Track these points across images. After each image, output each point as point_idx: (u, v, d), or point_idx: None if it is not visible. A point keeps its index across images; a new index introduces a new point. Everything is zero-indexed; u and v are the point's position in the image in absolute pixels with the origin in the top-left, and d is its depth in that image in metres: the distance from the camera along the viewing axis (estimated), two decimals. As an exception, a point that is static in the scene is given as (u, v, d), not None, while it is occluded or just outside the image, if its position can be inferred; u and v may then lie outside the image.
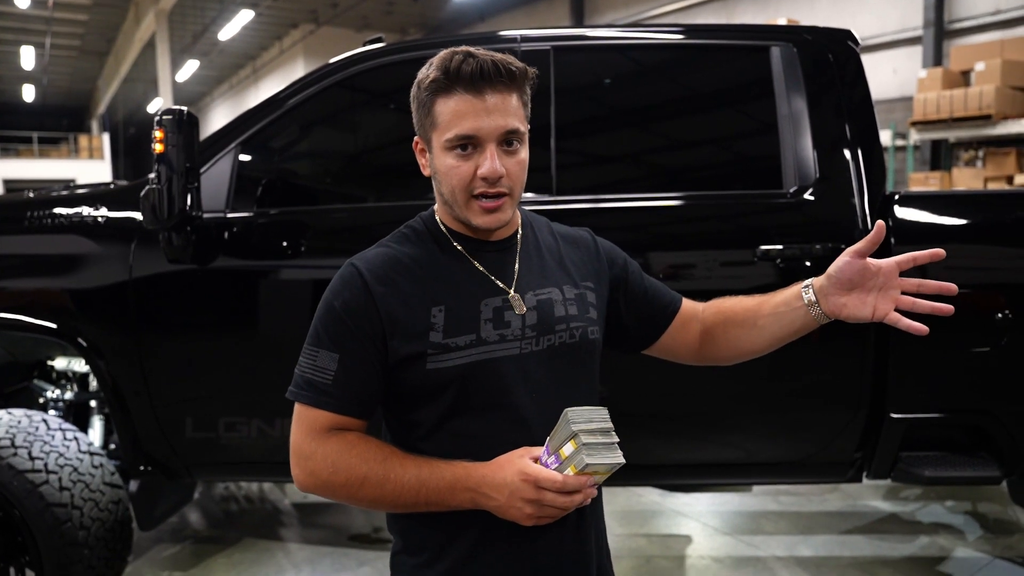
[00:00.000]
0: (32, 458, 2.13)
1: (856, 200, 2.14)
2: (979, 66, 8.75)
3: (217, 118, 30.09)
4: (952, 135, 9.32)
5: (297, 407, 1.07)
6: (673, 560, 2.83)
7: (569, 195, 2.22)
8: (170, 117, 2.05)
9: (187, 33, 21.59)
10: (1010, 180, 8.86)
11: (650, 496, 3.39)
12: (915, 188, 9.28)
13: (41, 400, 2.67)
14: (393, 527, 1.14)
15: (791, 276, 2.12)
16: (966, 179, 9.29)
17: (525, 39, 2.28)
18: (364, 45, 2.43)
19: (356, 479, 1.01)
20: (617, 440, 0.96)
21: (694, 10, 14.03)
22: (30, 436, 2.19)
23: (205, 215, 2.20)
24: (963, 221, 2.25)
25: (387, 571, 1.15)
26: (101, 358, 2.28)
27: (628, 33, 2.51)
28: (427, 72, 1.05)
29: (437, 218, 1.14)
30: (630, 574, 2.72)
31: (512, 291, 1.09)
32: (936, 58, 10.57)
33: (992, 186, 8.94)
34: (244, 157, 2.31)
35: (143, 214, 2.08)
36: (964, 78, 9.17)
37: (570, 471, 0.94)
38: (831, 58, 2.25)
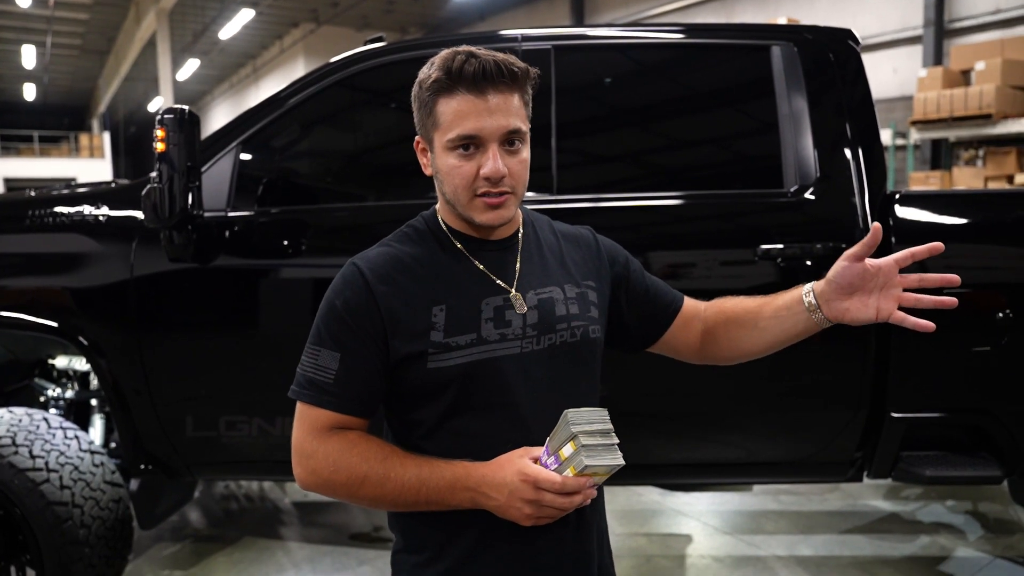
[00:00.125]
0: (33, 456, 2.13)
1: (857, 199, 2.14)
2: (979, 65, 8.75)
3: (218, 117, 30.09)
4: (952, 134, 9.32)
5: (299, 406, 1.07)
6: (673, 559, 2.84)
7: (570, 194, 2.22)
8: (172, 116, 2.05)
9: (188, 32, 21.59)
10: (1010, 179, 8.86)
11: (650, 495, 3.40)
12: (915, 187, 9.27)
13: (42, 399, 2.67)
14: (394, 526, 1.14)
15: (792, 275, 2.12)
16: (966, 178, 9.29)
17: (526, 38, 2.28)
18: (365, 44, 2.43)
19: (357, 478, 1.01)
20: (617, 442, 0.96)
21: (694, 9, 14.03)
22: (31, 434, 2.19)
23: (206, 214, 2.20)
24: (964, 220, 2.25)
25: (387, 570, 1.15)
26: (102, 357, 2.28)
27: (629, 32, 2.51)
28: (428, 72, 1.05)
29: (439, 217, 1.14)
30: (630, 573, 2.72)
31: (513, 290, 1.09)
32: (936, 57, 10.57)
33: (992, 185, 8.94)
34: (245, 156, 2.32)
35: (144, 213, 2.08)
36: (964, 77, 9.17)
37: (569, 472, 0.95)
38: (832, 57, 2.25)
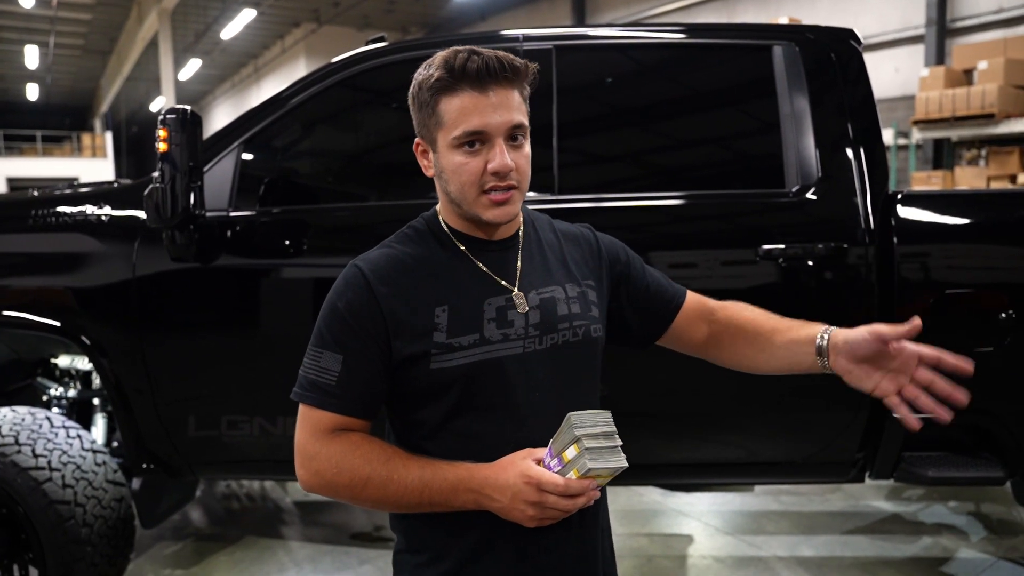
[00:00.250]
0: (35, 455, 2.14)
1: (858, 199, 2.14)
2: (982, 65, 8.74)
3: (219, 117, 30.13)
4: (955, 134, 9.31)
5: (301, 408, 1.07)
6: (674, 560, 2.84)
7: (571, 194, 2.22)
8: (174, 116, 2.05)
9: (189, 32, 21.62)
10: (1013, 179, 8.85)
11: (651, 495, 3.39)
12: (917, 187, 9.26)
13: (44, 398, 2.68)
14: (396, 526, 1.14)
15: (793, 275, 2.12)
16: (969, 178, 9.28)
17: (527, 38, 2.28)
18: (366, 44, 2.43)
19: (360, 480, 1.02)
20: (620, 444, 0.96)
21: (695, 9, 14.02)
22: (33, 434, 2.19)
23: (208, 214, 2.20)
24: (966, 220, 2.25)
25: (389, 569, 1.15)
26: (104, 356, 2.29)
27: (630, 32, 2.51)
28: (428, 72, 1.05)
29: (440, 218, 1.14)
30: (632, 573, 2.72)
31: (515, 290, 1.09)
32: (938, 57, 10.56)
33: (995, 185, 8.93)
34: (247, 156, 2.32)
35: (146, 213, 2.08)
36: (967, 77, 9.15)
37: (572, 474, 0.95)
38: (833, 57, 2.24)
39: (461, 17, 19.79)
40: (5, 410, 2.29)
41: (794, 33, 2.29)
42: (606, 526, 1.18)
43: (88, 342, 2.28)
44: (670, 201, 2.25)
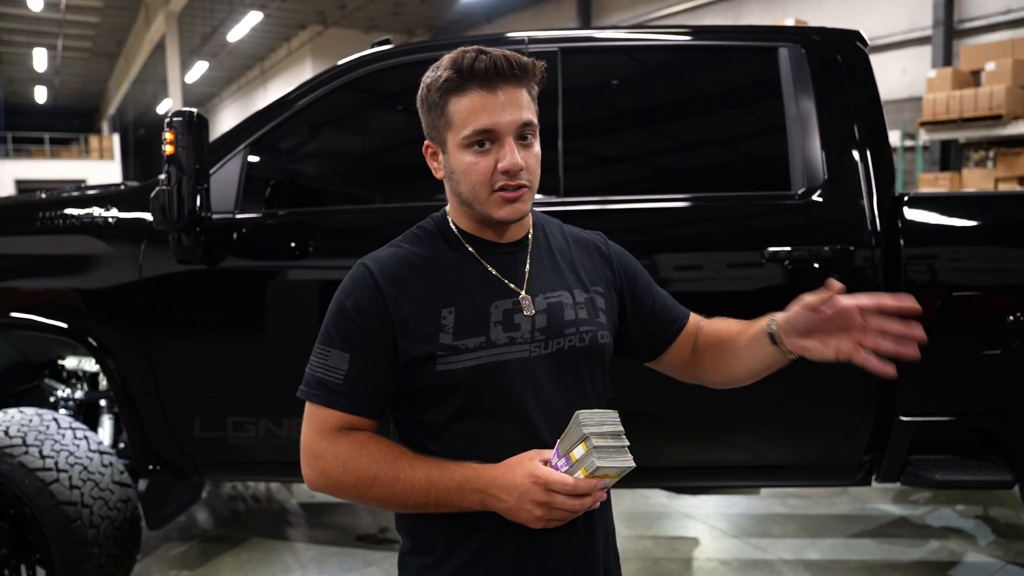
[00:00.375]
0: (43, 456, 2.15)
1: (865, 201, 2.13)
2: (989, 66, 8.70)
3: (226, 119, 30.25)
4: (962, 135, 9.27)
5: (308, 406, 1.07)
6: (680, 562, 2.83)
7: (577, 196, 2.22)
8: (180, 119, 2.06)
9: (196, 35, 21.71)
10: (1021, 181, 8.80)
11: (657, 498, 3.39)
12: (924, 189, 9.22)
13: (52, 399, 2.69)
14: (402, 527, 1.14)
15: (799, 278, 2.11)
16: (976, 180, 9.24)
17: (533, 40, 2.29)
18: (373, 47, 2.43)
19: (366, 479, 1.02)
20: (628, 444, 0.96)
21: (701, 11, 14.00)
22: (41, 435, 2.20)
23: (214, 216, 2.21)
24: (973, 223, 2.23)
25: (394, 571, 1.15)
26: (111, 358, 2.30)
27: (635, 34, 2.51)
28: (437, 73, 1.05)
29: (449, 219, 1.14)
30: (637, 576, 2.72)
31: (523, 293, 1.09)
32: (946, 58, 10.51)
33: (1003, 187, 8.88)
34: (253, 158, 2.33)
35: (153, 215, 2.09)
36: (974, 78, 9.11)
37: (580, 474, 0.94)
38: (839, 59, 2.24)
39: (467, 19, 19.82)
40: (13, 411, 2.30)
41: (800, 35, 2.28)
42: (610, 530, 1.18)
43: (95, 344, 2.29)
44: (676, 203, 2.24)
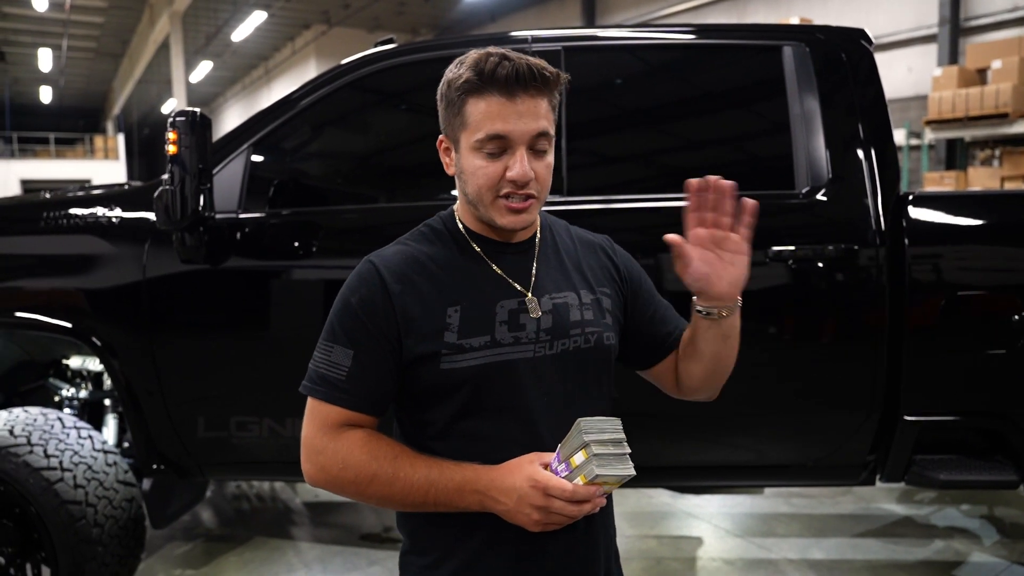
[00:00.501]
0: (47, 456, 2.16)
1: (869, 200, 2.12)
2: (996, 64, 8.66)
3: (230, 118, 30.31)
4: (968, 134, 9.23)
5: (310, 402, 1.07)
6: (684, 562, 2.82)
7: (580, 195, 2.21)
8: (183, 119, 2.07)
9: (200, 34, 21.77)
10: (1027, 180, 8.76)
11: (661, 497, 3.38)
12: (930, 188, 9.19)
13: (56, 398, 2.70)
14: (402, 526, 1.14)
15: (803, 277, 2.11)
16: (982, 179, 9.20)
17: (536, 40, 2.28)
18: (376, 46, 2.43)
19: (366, 476, 1.02)
20: (629, 451, 0.95)
21: (705, 9, 13.98)
22: (45, 434, 2.21)
23: (218, 215, 2.21)
24: (978, 222, 2.22)
25: (397, 571, 1.15)
26: (115, 357, 2.30)
27: (639, 33, 2.50)
28: (459, 71, 1.04)
29: (457, 218, 1.14)
30: (641, 575, 2.71)
31: (529, 294, 1.09)
32: (952, 56, 10.47)
33: (1009, 185, 8.85)
34: (256, 158, 2.33)
35: (156, 215, 2.09)
36: (980, 76, 9.07)
37: (580, 480, 0.94)
38: (844, 57, 2.23)
39: (471, 18, 19.82)
40: (18, 411, 2.31)
41: (804, 33, 2.27)
42: (611, 531, 1.17)
43: (99, 343, 2.30)
44: (679, 202, 2.23)
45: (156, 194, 2.09)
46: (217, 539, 3.05)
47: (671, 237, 1.06)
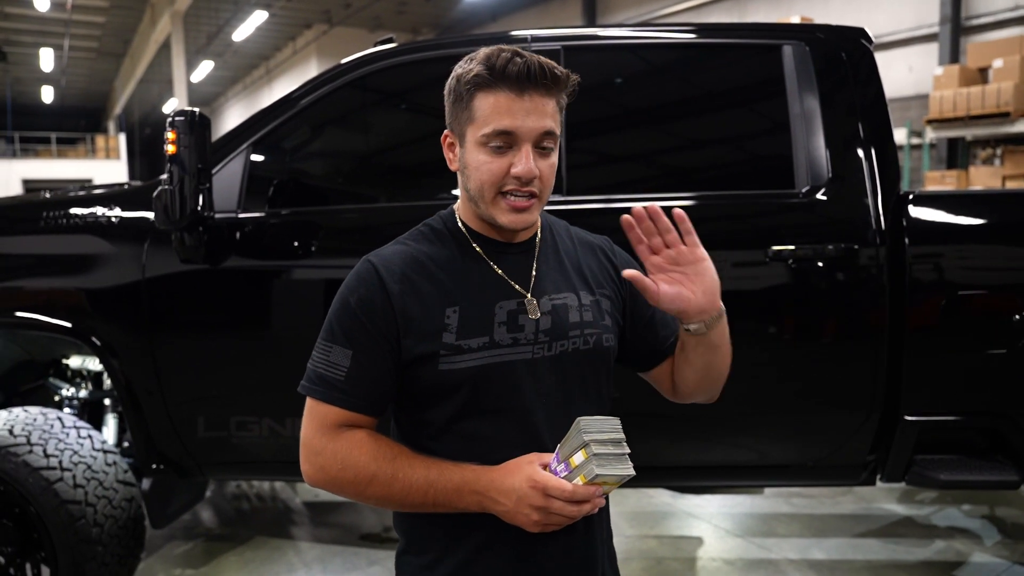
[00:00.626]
0: (47, 455, 2.16)
1: (869, 200, 2.12)
2: (997, 63, 8.65)
3: (231, 118, 30.33)
4: (969, 133, 9.21)
5: (308, 402, 1.07)
6: (684, 562, 2.82)
7: (579, 195, 2.21)
8: (182, 118, 2.06)
9: (202, 34, 21.78)
10: (1029, 179, 8.74)
11: (661, 497, 3.38)
12: (931, 187, 9.17)
13: (56, 398, 2.70)
14: (399, 526, 1.14)
15: (803, 277, 2.10)
16: (984, 178, 9.18)
17: (536, 39, 2.28)
18: (375, 46, 2.43)
19: (365, 477, 1.01)
20: (628, 451, 0.95)
21: (706, 8, 13.97)
22: (45, 434, 2.21)
23: (217, 215, 2.21)
24: (979, 221, 2.22)
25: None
26: (115, 357, 2.30)
27: (639, 33, 2.50)
28: (469, 66, 1.04)
29: (457, 216, 1.13)
30: (641, 575, 2.71)
31: (528, 295, 1.09)
32: (953, 55, 10.45)
33: (1010, 185, 8.83)
34: (256, 157, 2.33)
35: (155, 214, 2.09)
36: (982, 75, 9.06)
37: (579, 480, 0.94)
38: (844, 56, 2.22)
39: (472, 18, 19.82)
40: (17, 410, 2.31)
41: (804, 32, 2.27)
42: (608, 532, 1.17)
43: (99, 343, 2.30)
44: (679, 202, 2.23)
45: (155, 194, 2.09)
46: (217, 539, 3.05)
47: (629, 273, 1.07)
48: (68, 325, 2.31)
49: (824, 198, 2.13)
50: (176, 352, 2.30)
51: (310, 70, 21.28)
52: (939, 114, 8.97)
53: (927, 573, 2.70)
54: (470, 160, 1.05)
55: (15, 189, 22.61)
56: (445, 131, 1.11)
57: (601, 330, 1.12)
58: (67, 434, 2.25)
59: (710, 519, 3.17)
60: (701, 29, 2.41)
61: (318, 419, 1.05)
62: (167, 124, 2.08)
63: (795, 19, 10.06)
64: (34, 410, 2.32)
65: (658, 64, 2.43)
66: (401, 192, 2.52)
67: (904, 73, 11.04)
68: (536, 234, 1.15)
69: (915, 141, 10.34)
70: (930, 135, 9.69)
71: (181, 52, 19.52)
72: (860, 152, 2.16)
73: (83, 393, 2.66)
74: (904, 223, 2.10)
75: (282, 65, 24.63)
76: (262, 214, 2.28)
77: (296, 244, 2.28)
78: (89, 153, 28.14)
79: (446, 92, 1.09)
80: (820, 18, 10.59)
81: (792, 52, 2.22)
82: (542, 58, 1.03)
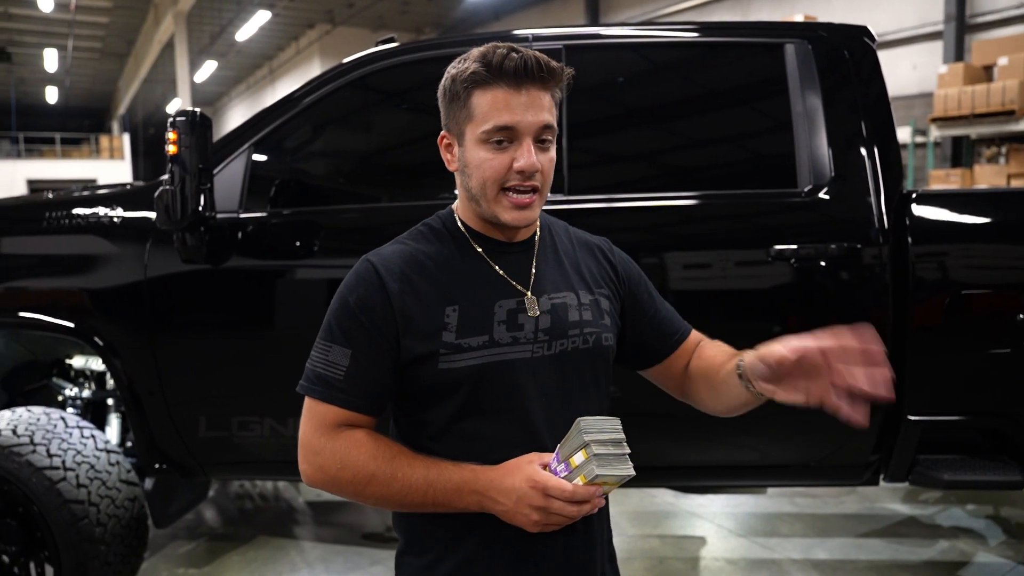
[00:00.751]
0: (50, 455, 2.16)
1: (872, 199, 2.11)
2: (1002, 61, 8.60)
3: (235, 118, 30.38)
4: (974, 131, 9.17)
5: (307, 401, 1.06)
6: (687, 562, 2.81)
7: (581, 195, 2.20)
8: (183, 119, 2.07)
9: (205, 34, 21.81)
10: (1034, 177, 8.70)
11: (664, 497, 3.37)
12: (936, 186, 9.14)
13: (59, 398, 2.71)
14: (399, 526, 1.14)
15: (806, 276, 2.10)
16: (988, 176, 9.14)
17: (537, 38, 2.27)
18: (377, 45, 2.43)
19: (363, 476, 1.01)
20: (628, 451, 0.95)
21: (710, 7, 13.93)
22: (48, 433, 2.22)
23: (218, 215, 2.21)
24: (983, 220, 2.21)
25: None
26: (117, 357, 2.31)
27: (641, 31, 2.49)
28: (464, 65, 1.04)
29: (456, 216, 1.13)
30: (643, 575, 2.71)
31: (528, 293, 1.09)
32: (957, 53, 10.40)
33: (1016, 183, 8.79)
34: (258, 157, 2.33)
35: (157, 214, 2.10)
36: (987, 73, 9.02)
37: (579, 480, 0.94)
38: (846, 55, 2.22)
39: (474, 17, 19.80)
40: (21, 410, 2.31)
41: (806, 31, 2.26)
42: (607, 532, 1.17)
43: (101, 343, 2.30)
44: (681, 201, 2.23)
45: (156, 194, 2.09)
46: (220, 538, 3.06)
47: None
48: (71, 325, 2.32)
49: (827, 197, 2.13)
50: (177, 352, 2.31)
51: (313, 70, 21.30)
52: (943, 112, 8.93)
53: (931, 573, 2.69)
54: (471, 158, 1.05)
55: (20, 189, 22.68)
56: (442, 133, 1.11)
57: (600, 329, 1.12)
58: (70, 434, 2.25)
59: (713, 519, 3.16)
60: (703, 28, 2.40)
61: (317, 419, 1.05)
62: (168, 124, 2.08)
63: (798, 17, 10.03)
64: (37, 410, 2.32)
65: (660, 63, 2.42)
66: (403, 192, 2.52)
67: (908, 71, 11.00)
68: (535, 233, 1.15)
69: (919, 139, 10.30)
70: (934, 133, 9.64)
71: (184, 52, 19.55)
72: (863, 151, 2.16)
73: (86, 393, 2.67)
74: (907, 222, 2.09)
75: (285, 65, 24.66)
76: (264, 214, 2.29)
77: (298, 244, 2.28)
78: (93, 153, 28.22)
79: (440, 93, 1.09)
80: (824, 16, 10.56)
81: (794, 51, 2.22)
82: (537, 52, 1.03)
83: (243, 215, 2.26)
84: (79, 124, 33.04)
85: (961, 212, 2.20)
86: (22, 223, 2.53)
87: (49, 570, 2.21)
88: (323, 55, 21.32)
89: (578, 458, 0.94)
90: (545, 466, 0.98)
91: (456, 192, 1.14)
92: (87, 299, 2.32)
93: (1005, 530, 3.04)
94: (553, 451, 0.99)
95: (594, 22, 15.97)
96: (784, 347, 0.96)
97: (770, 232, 2.14)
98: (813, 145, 2.15)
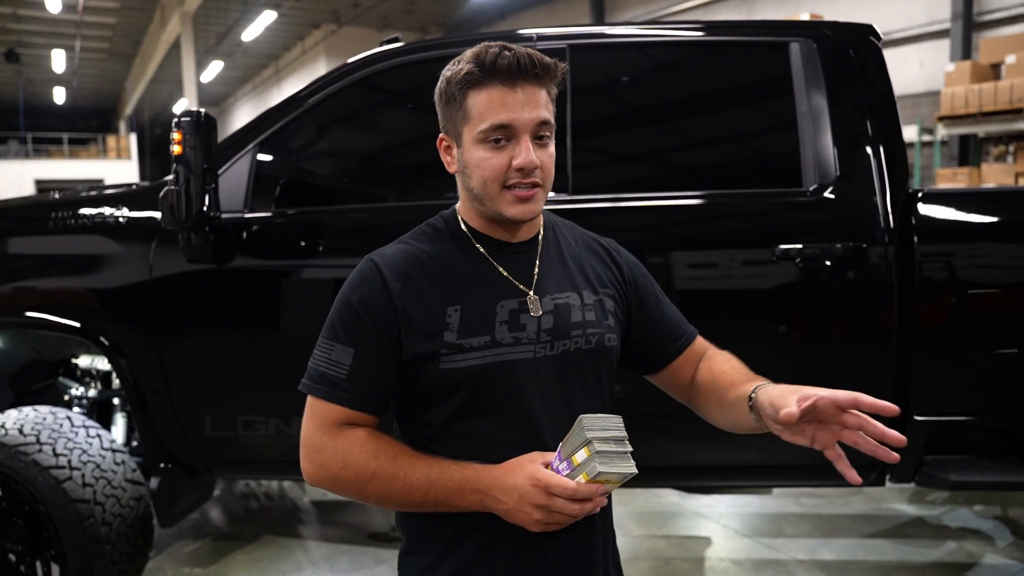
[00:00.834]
0: (56, 454, 2.17)
1: (878, 198, 2.10)
2: (1010, 59, 8.55)
3: (241, 118, 30.47)
4: (981, 130, 9.12)
5: (310, 400, 1.07)
6: (692, 562, 2.81)
7: (586, 194, 2.20)
8: (188, 119, 2.07)
9: (211, 34, 21.89)
10: (1042, 176, 8.65)
11: (670, 497, 3.37)
12: (943, 184, 9.09)
13: (65, 397, 2.72)
14: (401, 525, 1.14)
15: (811, 276, 2.09)
16: (996, 175, 9.08)
17: (541, 38, 2.27)
18: (381, 45, 2.43)
19: (365, 475, 1.01)
20: (631, 449, 0.95)
21: (714, 6, 13.90)
22: (54, 433, 2.23)
23: (223, 215, 2.22)
24: (989, 219, 2.19)
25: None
26: (123, 357, 2.31)
27: (645, 30, 2.48)
28: (458, 67, 1.04)
29: (459, 217, 1.13)
30: (648, 575, 2.70)
31: (530, 293, 1.09)
32: (965, 51, 10.35)
33: (1023, 182, 8.73)
34: (262, 157, 2.33)
35: (162, 214, 2.10)
36: (994, 71, 8.96)
37: (582, 478, 0.94)
38: (852, 54, 2.20)
39: (480, 16, 19.81)
40: (27, 410, 2.32)
41: (812, 30, 2.25)
42: (610, 531, 1.16)
43: (107, 343, 2.31)
44: (685, 201, 2.22)
45: (162, 194, 2.10)
46: (225, 537, 3.07)
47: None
48: (77, 325, 2.33)
49: (832, 196, 2.12)
50: (183, 352, 2.31)
51: (319, 69, 21.34)
52: (951, 111, 8.88)
53: (938, 574, 2.67)
54: (470, 159, 1.05)
55: (28, 189, 22.82)
56: (440, 135, 1.11)
57: (604, 330, 1.12)
58: (76, 433, 2.26)
59: (718, 519, 3.16)
60: (708, 27, 2.39)
61: (319, 417, 1.05)
62: (173, 125, 2.09)
63: (804, 16, 9.99)
64: (43, 409, 2.34)
65: (665, 62, 2.41)
66: (408, 191, 2.52)
67: (915, 69, 10.95)
68: (538, 232, 1.15)
69: (927, 138, 10.25)
70: (942, 132, 9.60)
71: (191, 52, 19.63)
72: (868, 150, 2.14)
73: (92, 392, 2.68)
74: (913, 221, 2.08)
75: (291, 65, 24.72)
76: (268, 214, 2.29)
77: (303, 244, 2.28)
78: (100, 153, 28.35)
79: (436, 96, 1.09)
80: (830, 15, 10.51)
81: (800, 49, 2.21)
82: (530, 49, 1.03)
83: (248, 215, 2.27)
84: (86, 124, 33.21)
85: (968, 211, 2.18)
86: (28, 223, 2.55)
87: (55, 569, 2.22)
88: (329, 55, 21.36)
89: (580, 456, 0.93)
90: (547, 465, 0.98)
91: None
92: (93, 299, 2.33)
93: (1013, 531, 3.02)
94: (554, 451, 0.99)
95: (599, 21, 15.95)
96: (796, 404, 0.96)
97: (775, 231, 2.13)
98: (818, 144, 2.14)
